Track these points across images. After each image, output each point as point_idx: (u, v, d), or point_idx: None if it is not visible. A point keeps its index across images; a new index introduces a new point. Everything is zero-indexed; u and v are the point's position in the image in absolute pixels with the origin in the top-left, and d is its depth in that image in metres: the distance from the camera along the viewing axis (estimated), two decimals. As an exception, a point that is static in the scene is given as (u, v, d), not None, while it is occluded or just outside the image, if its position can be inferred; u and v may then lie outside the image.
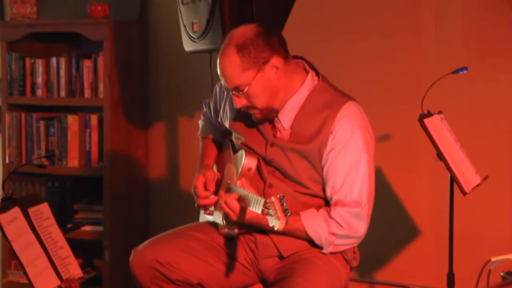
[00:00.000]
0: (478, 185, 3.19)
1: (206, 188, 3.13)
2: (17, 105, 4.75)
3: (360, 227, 2.94)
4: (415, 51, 4.10)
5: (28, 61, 4.69)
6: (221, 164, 3.23)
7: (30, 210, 2.90)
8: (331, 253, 2.99)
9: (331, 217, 2.92)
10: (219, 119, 3.20)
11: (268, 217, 2.60)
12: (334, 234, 2.93)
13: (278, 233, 2.89)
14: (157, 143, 4.75)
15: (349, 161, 2.90)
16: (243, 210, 2.84)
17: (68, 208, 4.67)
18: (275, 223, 2.57)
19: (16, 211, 2.83)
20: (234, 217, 2.87)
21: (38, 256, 2.83)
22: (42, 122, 4.67)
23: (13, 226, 2.77)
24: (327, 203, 2.99)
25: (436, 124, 3.11)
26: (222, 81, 2.93)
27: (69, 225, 4.26)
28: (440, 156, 3.07)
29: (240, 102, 2.91)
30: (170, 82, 4.70)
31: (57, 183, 4.66)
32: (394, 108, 4.13)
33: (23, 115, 4.72)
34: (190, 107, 4.57)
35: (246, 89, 2.87)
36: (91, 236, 4.61)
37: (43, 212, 2.97)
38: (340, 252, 3.02)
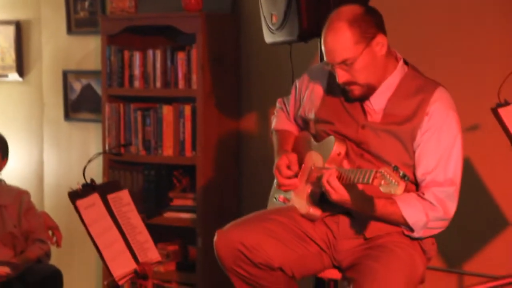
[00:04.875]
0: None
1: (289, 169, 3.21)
2: (116, 96, 4.93)
3: (452, 208, 2.99)
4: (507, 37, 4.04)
5: (126, 54, 4.86)
6: (296, 152, 3.28)
7: (110, 197, 3.02)
8: (416, 238, 3.02)
9: (424, 199, 2.96)
10: (300, 112, 3.28)
11: (382, 187, 2.67)
12: (429, 217, 2.96)
13: (363, 216, 2.99)
14: (249, 133, 4.83)
15: (444, 142, 2.97)
16: (346, 188, 2.89)
17: (163, 195, 4.82)
18: (393, 188, 2.64)
19: (95, 197, 2.95)
20: (334, 195, 2.90)
21: (115, 240, 2.94)
22: (139, 113, 4.83)
23: (91, 211, 2.90)
24: (415, 187, 3.03)
25: (512, 114, 3.07)
26: (329, 56, 2.99)
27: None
28: (515, 146, 3.03)
29: (343, 76, 2.99)
30: (261, 73, 4.77)
31: (153, 171, 4.81)
32: (483, 97, 4.05)
33: (121, 105, 4.89)
34: (280, 97, 4.63)
35: (353, 63, 2.96)
36: (186, 223, 4.75)
37: (122, 198, 3.08)
38: (418, 241, 3.04)
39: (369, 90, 3.02)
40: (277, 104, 3.46)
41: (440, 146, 2.97)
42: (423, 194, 2.97)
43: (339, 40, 2.95)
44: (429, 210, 2.95)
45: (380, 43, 2.97)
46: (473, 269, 4.18)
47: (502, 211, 4.09)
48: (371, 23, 2.96)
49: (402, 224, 2.99)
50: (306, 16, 3.39)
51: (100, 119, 5.03)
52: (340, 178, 2.90)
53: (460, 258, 4.20)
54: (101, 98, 4.99)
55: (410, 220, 2.96)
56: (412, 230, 2.99)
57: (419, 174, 2.99)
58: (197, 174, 4.65)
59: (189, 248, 4.88)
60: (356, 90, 3.02)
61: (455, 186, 2.98)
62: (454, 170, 2.98)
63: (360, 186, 2.91)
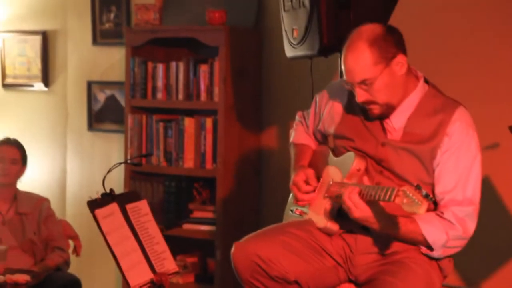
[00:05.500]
0: None
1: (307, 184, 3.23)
2: (139, 108, 4.96)
3: (471, 227, 2.98)
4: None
5: (150, 65, 4.90)
6: (314, 167, 3.30)
7: (128, 206, 3.05)
8: (434, 258, 3.02)
9: (444, 218, 2.96)
10: (319, 127, 3.30)
11: (405, 206, 2.67)
12: (449, 236, 2.96)
13: (381, 234, 2.99)
14: (270, 146, 4.85)
15: (464, 162, 2.97)
16: (369, 204, 2.90)
17: (183, 207, 4.84)
18: (416, 207, 2.64)
19: (113, 206, 2.98)
20: (355, 212, 2.92)
21: (133, 250, 2.96)
22: (161, 124, 4.86)
23: (109, 220, 2.93)
24: (433, 205, 3.02)
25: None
26: (348, 75, 3.00)
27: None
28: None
29: (363, 96, 3.01)
30: (283, 86, 4.80)
31: (173, 182, 4.84)
32: (503, 116, 4.07)
33: (144, 117, 4.93)
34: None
35: (372, 83, 2.97)
36: (205, 235, 4.77)
37: (141, 208, 3.11)
38: (436, 260, 3.04)
39: (389, 109, 3.03)
40: (297, 117, 3.48)
41: (459, 165, 2.97)
42: (442, 213, 2.97)
43: (359, 60, 2.95)
44: (449, 229, 2.95)
45: (400, 63, 2.97)
46: (492, 287, 4.17)
47: (521, 229, 4.09)
48: (391, 43, 2.96)
49: (421, 243, 2.99)
50: (326, 31, 3.41)
51: (122, 129, 5.07)
52: (360, 194, 2.90)
53: (479, 276, 4.19)
54: (124, 109, 5.03)
55: (430, 239, 2.96)
56: (431, 249, 2.99)
57: (438, 192, 2.99)
58: (217, 187, 4.67)
59: (208, 260, 4.90)
60: (376, 109, 3.03)
61: (474, 205, 2.98)
62: (473, 190, 2.98)
63: (380, 204, 2.91)
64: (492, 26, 4.12)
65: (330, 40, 3.42)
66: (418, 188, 2.66)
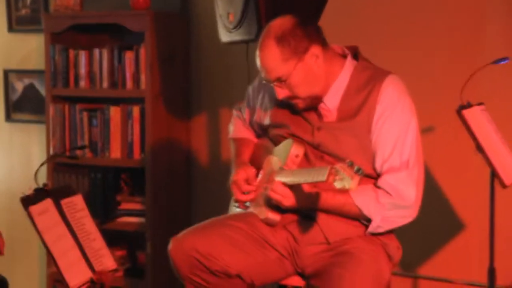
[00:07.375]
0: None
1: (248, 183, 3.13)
2: (61, 97, 4.77)
3: (409, 194, 2.90)
4: (464, 39, 4.02)
5: (71, 53, 4.70)
6: (255, 160, 3.21)
7: (63, 202, 2.89)
8: (377, 234, 2.95)
9: (378, 187, 2.91)
10: (254, 118, 3.23)
11: (336, 182, 2.58)
12: (382, 203, 2.90)
13: (323, 216, 2.95)
14: (199, 134, 4.74)
15: (398, 127, 2.91)
16: (296, 191, 2.85)
17: (111, 199, 4.68)
18: (347, 183, 2.56)
19: (48, 202, 2.81)
20: (285, 201, 2.88)
21: (70, 248, 2.81)
22: (85, 114, 4.68)
23: (44, 217, 2.77)
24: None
25: (476, 116, 3.04)
26: (263, 74, 2.95)
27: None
28: (480, 148, 3.00)
29: (282, 93, 2.95)
30: (211, 73, 4.68)
31: (99, 174, 4.67)
32: (438, 100, 4.05)
33: (66, 106, 4.73)
34: (232, 98, 4.52)
35: (288, 79, 2.90)
36: (134, 228, 4.62)
37: (76, 203, 2.95)
38: (383, 246, 2.99)
39: (314, 101, 2.97)
40: (234, 112, 3.40)
41: (394, 131, 2.91)
42: (378, 182, 2.92)
43: (269, 58, 2.90)
44: (382, 197, 2.90)
45: (314, 55, 2.91)
46: (428, 272, 4.16)
47: (457, 214, 4.08)
48: (302, 36, 2.89)
49: (358, 215, 2.93)
50: (264, 15, 3.31)
51: (43, 120, 4.87)
52: (289, 183, 2.84)
53: (415, 262, 4.18)
54: (45, 98, 4.82)
55: (364, 208, 2.91)
56: (369, 219, 2.93)
57: (377, 165, 2.94)
58: (146, 177, 4.52)
59: (137, 253, 4.75)
60: (300, 103, 2.98)
61: (408, 169, 2.90)
62: (409, 153, 2.91)
63: (315, 185, 2.84)
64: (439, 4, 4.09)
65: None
66: (350, 164, 2.59)
